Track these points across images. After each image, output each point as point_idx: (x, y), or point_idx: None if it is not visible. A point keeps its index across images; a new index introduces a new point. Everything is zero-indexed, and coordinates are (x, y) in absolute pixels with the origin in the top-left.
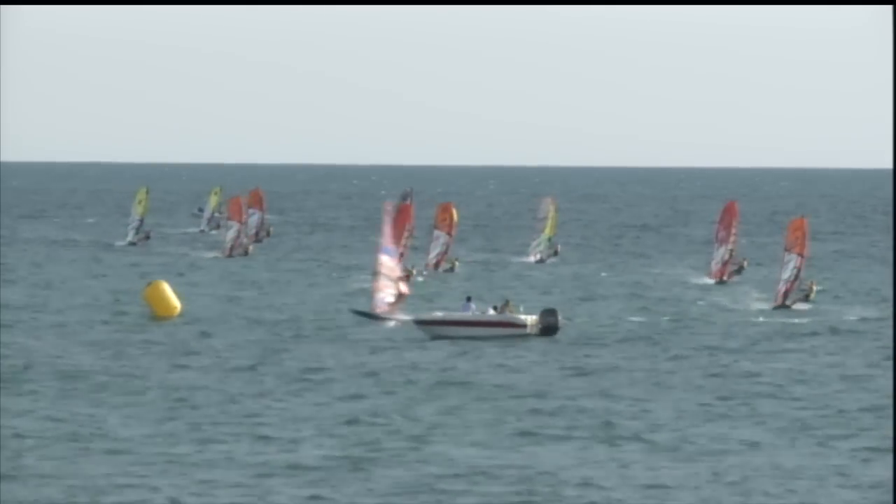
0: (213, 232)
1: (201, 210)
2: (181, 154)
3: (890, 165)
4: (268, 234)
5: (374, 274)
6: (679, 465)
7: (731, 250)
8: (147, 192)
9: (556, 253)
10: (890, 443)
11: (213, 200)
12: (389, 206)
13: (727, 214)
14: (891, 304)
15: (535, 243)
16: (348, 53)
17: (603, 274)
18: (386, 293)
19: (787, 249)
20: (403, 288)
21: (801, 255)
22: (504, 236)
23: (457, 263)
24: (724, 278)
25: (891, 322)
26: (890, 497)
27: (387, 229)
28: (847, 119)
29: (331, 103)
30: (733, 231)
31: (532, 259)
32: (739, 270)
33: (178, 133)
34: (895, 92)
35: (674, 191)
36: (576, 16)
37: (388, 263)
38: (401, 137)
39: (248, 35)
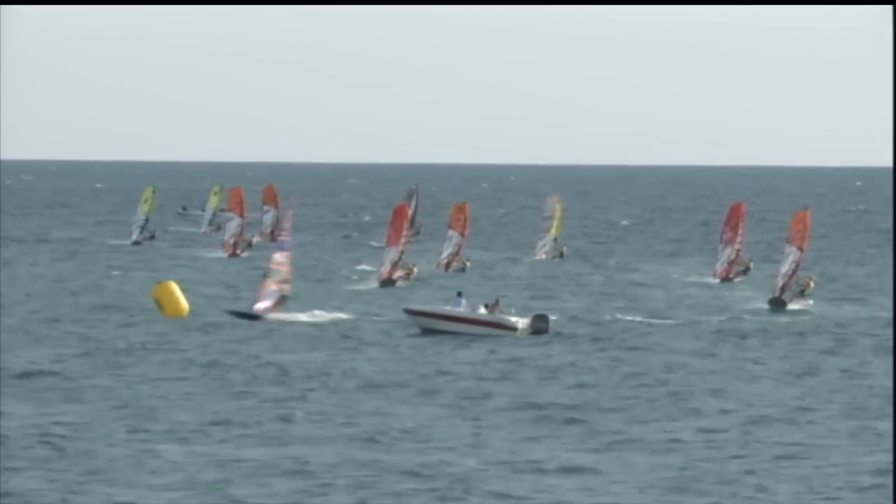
0: (215, 233)
1: (185, 209)
2: (178, 153)
3: (890, 164)
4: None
5: (265, 273)
6: (643, 462)
7: (738, 251)
8: (153, 192)
9: (561, 255)
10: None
11: (213, 201)
12: (295, 199)
13: (734, 216)
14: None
15: (541, 243)
16: (347, 52)
17: (593, 276)
18: (270, 292)
19: (788, 242)
20: (286, 288)
21: (800, 248)
22: (499, 234)
23: (468, 264)
24: (730, 276)
25: (883, 320)
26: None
27: (286, 224)
28: (846, 118)
29: (330, 102)
30: (740, 232)
31: (539, 259)
32: (746, 271)
33: (173, 131)
34: (895, 91)
35: (669, 190)
36: (576, 16)
37: (280, 260)
38: (399, 137)
39: (246, 34)
